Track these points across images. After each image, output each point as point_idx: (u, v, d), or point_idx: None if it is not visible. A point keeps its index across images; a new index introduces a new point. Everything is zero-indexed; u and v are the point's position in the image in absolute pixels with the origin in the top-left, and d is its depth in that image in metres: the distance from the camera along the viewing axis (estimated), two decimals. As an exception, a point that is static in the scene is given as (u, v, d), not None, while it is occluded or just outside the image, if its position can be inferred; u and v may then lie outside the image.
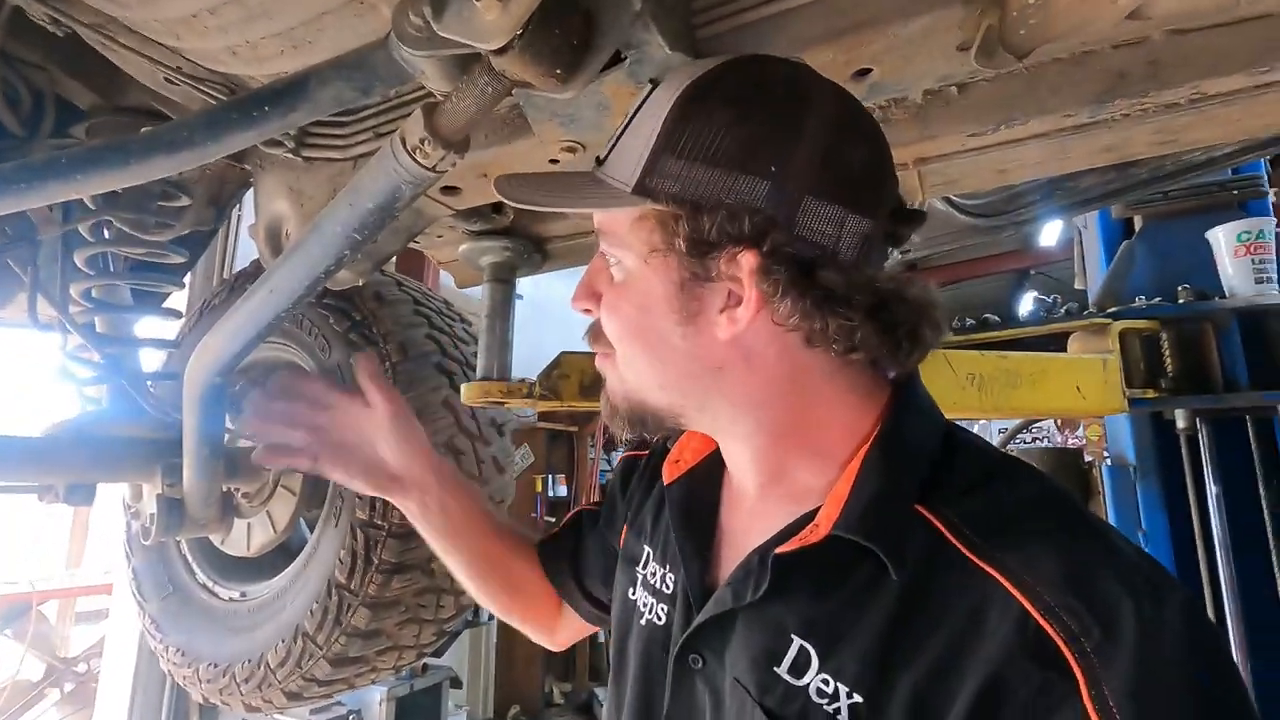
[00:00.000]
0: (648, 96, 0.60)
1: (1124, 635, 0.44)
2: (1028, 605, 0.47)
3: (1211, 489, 1.48)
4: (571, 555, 0.92)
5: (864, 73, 0.72)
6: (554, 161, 0.89)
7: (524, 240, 1.21)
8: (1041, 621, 0.46)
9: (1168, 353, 1.43)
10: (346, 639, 1.29)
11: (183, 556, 1.59)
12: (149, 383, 1.47)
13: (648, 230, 0.59)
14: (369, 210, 0.75)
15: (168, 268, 1.48)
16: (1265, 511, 1.47)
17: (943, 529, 0.53)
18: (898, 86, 0.75)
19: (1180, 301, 1.45)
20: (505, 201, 0.74)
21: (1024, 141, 0.91)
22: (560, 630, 0.98)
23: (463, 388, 1.17)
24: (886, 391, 0.62)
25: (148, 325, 1.57)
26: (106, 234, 1.36)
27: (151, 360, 1.60)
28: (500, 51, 0.60)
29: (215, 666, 1.40)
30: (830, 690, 0.52)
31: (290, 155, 1.02)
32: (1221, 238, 1.47)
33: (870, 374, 0.62)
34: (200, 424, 1.13)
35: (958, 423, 0.63)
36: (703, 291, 0.58)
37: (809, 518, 0.58)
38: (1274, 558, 1.46)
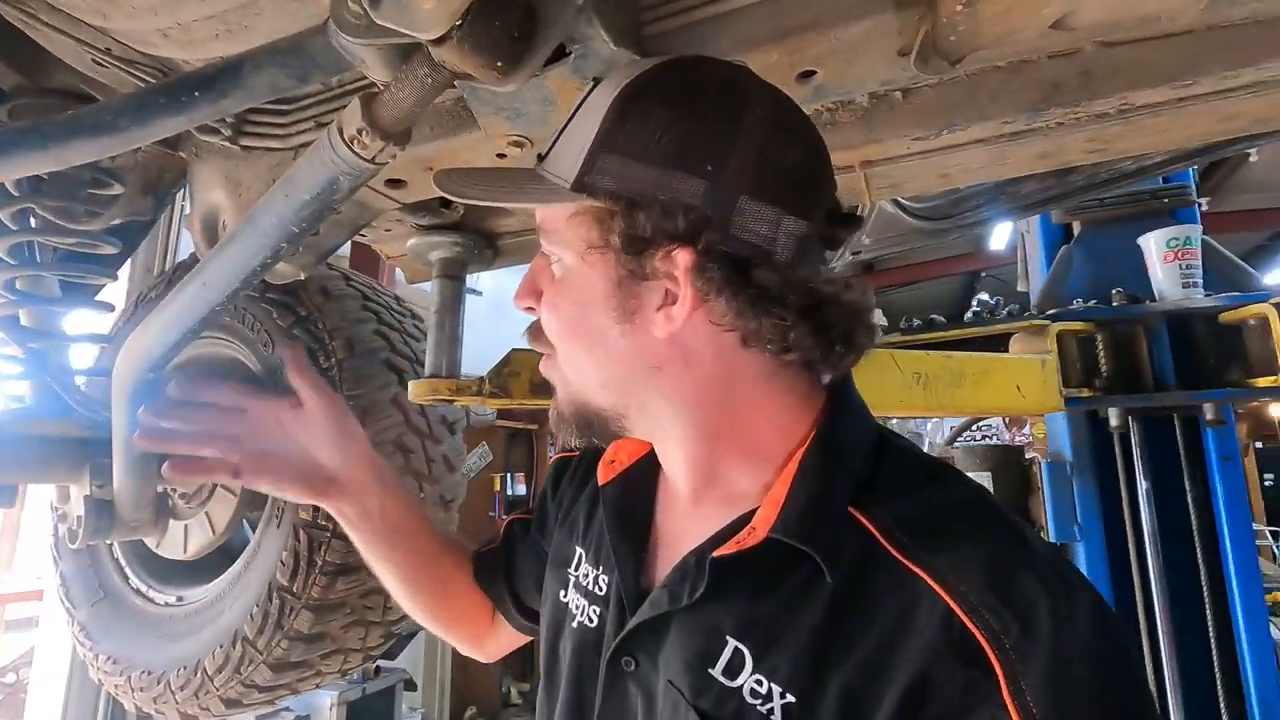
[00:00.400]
0: (588, 94, 0.60)
1: (1040, 632, 0.46)
2: (953, 605, 0.48)
3: (1141, 485, 1.55)
4: (506, 565, 0.90)
5: (808, 75, 0.73)
6: (501, 156, 0.88)
7: (474, 235, 1.20)
8: (966, 620, 0.47)
9: (1102, 353, 1.49)
10: (289, 643, 1.25)
11: (115, 560, 1.53)
12: (80, 379, 1.40)
13: (585, 227, 0.59)
14: (305, 202, 0.73)
15: (100, 259, 1.41)
16: (1190, 506, 1.54)
17: (875, 531, 0.54)
18: (841, 89, 0.76)
19: (1114, 304, 1.51)
20: (447, 196, 0.72)
21: (965, 146, 0.94)
22: (491, 642, 0.96)
23: (410, 385, 1.15)
24: (822, 395, 0.63)
25: (80, 319, 1.50)
26: (32, 222, 1.29)
27: (86, 355, 1.53)
28: (439, 41, 0.58)
29: (149, 674, 1.35)
30: (764, 691, 0.53)
31: (227, 144, 0.98)
32: (1152, 244, 1.54)
33: (806, 377, 0.62)
34: (130, 422, 1.08)
35: (889, 424, 0.65)
36: (640, 289, 0.58)
37: (745, 520, 0.58)
38: (1198, 550, 1.53)
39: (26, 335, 1.24)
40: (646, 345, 0.59)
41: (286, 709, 3.04)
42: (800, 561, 0.54)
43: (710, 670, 0.55)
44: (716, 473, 0.63)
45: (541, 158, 0.63)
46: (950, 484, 0.58)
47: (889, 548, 0.53)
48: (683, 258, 0.55)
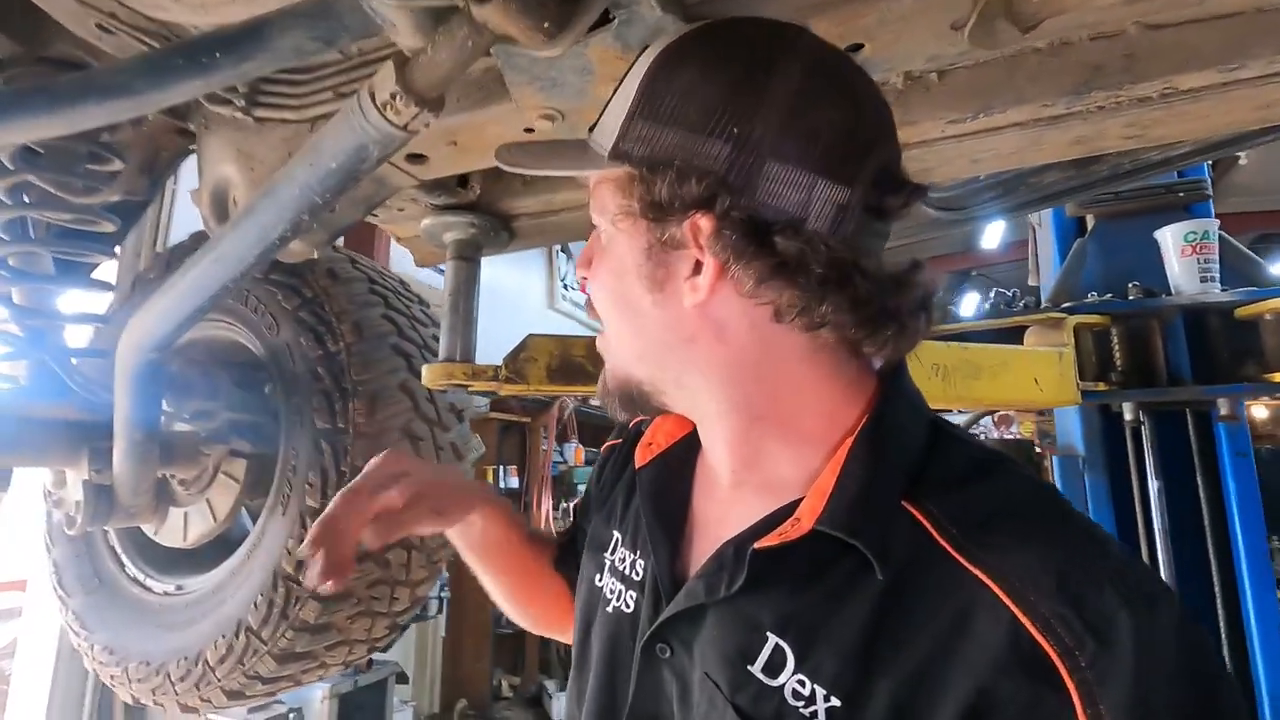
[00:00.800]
0: (634, 61, 0.59)
1: (1121, 649, 0.42)
2: (1019, 613, 0.45)
3: (1153, 480, 1.54)
4: (575, 551, 0.89)
5: (856, 48, 0.71)
6: (529, 130, 0.85)
7: (490, 217, 1.16)
8: (1034, 631, 0.44)
9: (1117, 347, 1.48)
10: (294, 634, 1.22)
11: (111, 548, 1.49)
12: (73, 359, 1.36)
13: (612, 194, 0.59)
14: (330, 171, 0.70)
15: (96, 236, 1.36)
16: (1202, 501, 1.53)
17: (929, 526, 0.50)
18: (888, 64, 0.73)
19: (1130, 298, 1.50)
20: (502, 167, 0.70)
21: (1001, 130, 0.91)
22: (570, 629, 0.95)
23: (424, 369, 1.12)
24: (873, 381, 0.60)
25: (72, 299, 1.45)
26: (27, 198, 1.24)
27: (78, 336, 1.48)
28: (483, 0, 0.55)
29: (147, 665, 1.31)
30: (807, 692, 0.50)
31: (240, 115, 0.94)
32: (1169, 237, 1.53)
33: (855, 361, 0.59)
34: (133, 404, 1.05)
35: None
36: (670, 258, 0.57)
37: (788, 510, 0.56)
38: (1210, 545, 1.53)
39: (25, 314, 1.20)
40: (678, 316, 0.57)
41: (279, 702, 3.00)
42: (846, 555, 0.51)
43: (749, 667, 0.53)
44: (758, 456, 0.60)
45: (591, 129, 0.62)
46: (1013, 477, 0.54)
47: (944, 544, 0.49)
48: (705, 224, 0.53)
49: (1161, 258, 1.56)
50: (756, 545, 0.54)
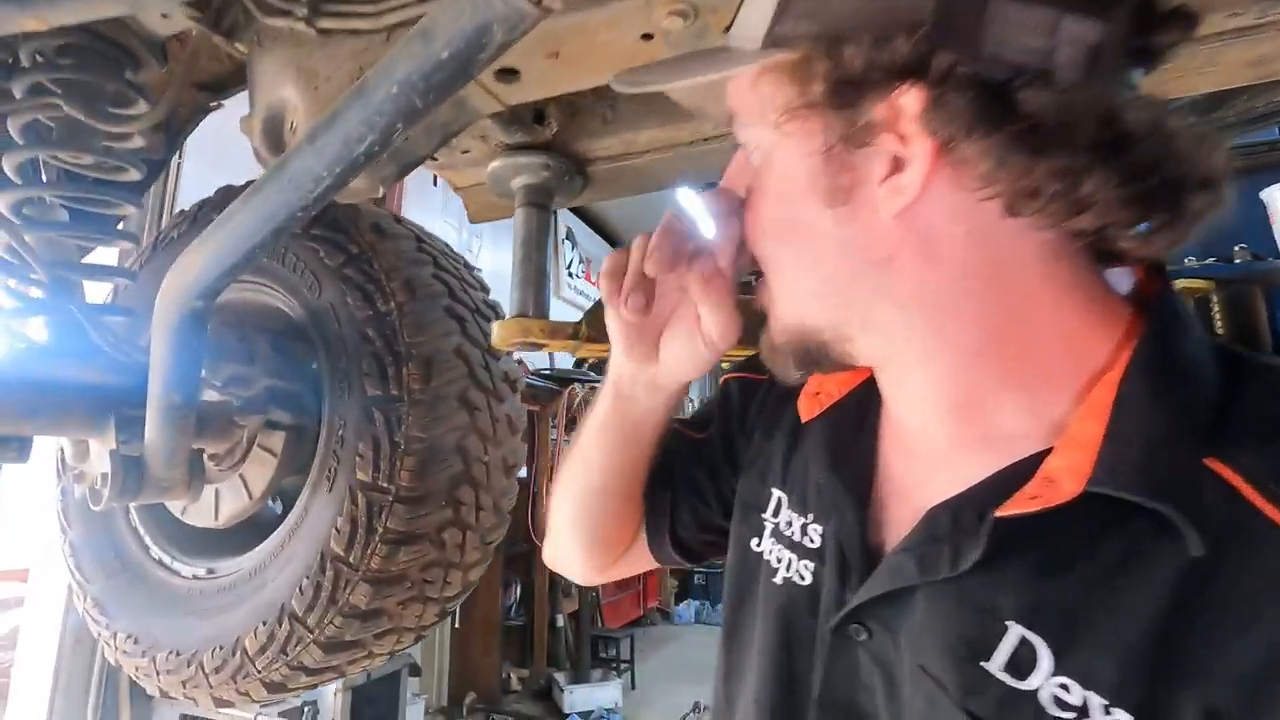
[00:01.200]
0: None
1: None
2: None
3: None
4: (671, 486, 0.75)
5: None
6: (647, 37, 0.73)
7: (565, 160, 1.05)
8: None
9: (1219, 313, 1.38)
10: (343, 620, 1.11)
11: (133, 528, 1.37)
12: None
13: (777, 87, 0.47)
14: (439, 64, 0.58)
15: (119, 186, 1.24)
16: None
17: (1245, 487, 0.38)
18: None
19: (1237, 261, 1.40)
20: (622, 89, 0.58)
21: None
22: (610, 568, 0.80)
23: (495, 326, 1.00)
24: (1123, 303, 0.47)
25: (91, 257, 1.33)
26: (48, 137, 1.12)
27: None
28: None
29: (178, 655, 1.19)
30: (1075, 700, 0.39)
31: (301, 27, 0.82)
32: (1279, 197, 1.43)
33: (1097, 275, 0.47)
34: (173, 361, 0.93)
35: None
36: (856, 159, 0.45)
37: (1025, 468, 0.44)
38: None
39: (51, 264, 1.07)
40: (870, 231, 0.46)
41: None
42: (1128, 524, 0.40)
43: (983, 664, 0.42)
44: (975, 402, 0.47)
45: (728, 29, 0.52)
46: None
47: (1271, 512, 0.37)
48: (912, 100, 0.41)
49: (1266, 219, 1.46)
50: (1000, 513, 0.42)
